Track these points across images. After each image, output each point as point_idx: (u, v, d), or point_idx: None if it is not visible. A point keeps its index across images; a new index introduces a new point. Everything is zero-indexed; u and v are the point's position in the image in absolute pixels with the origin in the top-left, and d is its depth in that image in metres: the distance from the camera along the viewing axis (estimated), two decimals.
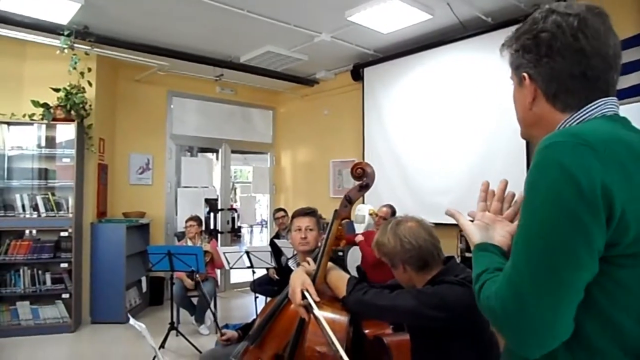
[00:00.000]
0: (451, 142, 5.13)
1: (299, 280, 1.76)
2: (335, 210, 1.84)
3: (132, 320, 2.09)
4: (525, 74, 0.97)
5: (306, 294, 1.70)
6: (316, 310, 1.62)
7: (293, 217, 2.80)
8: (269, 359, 2.27)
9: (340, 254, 5.41)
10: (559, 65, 0.92)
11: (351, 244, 5.02)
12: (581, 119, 0.92)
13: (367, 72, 6.20)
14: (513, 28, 3.85)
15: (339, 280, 1.80)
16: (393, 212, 4.68)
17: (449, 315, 1.59)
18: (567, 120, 0.93)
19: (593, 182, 0.76)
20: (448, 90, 5.18)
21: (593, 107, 0.92)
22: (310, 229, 2.61)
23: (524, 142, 4.43)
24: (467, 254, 3.97)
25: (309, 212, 2.69)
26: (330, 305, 1.76)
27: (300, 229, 2.63)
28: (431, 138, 5.35)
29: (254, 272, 4.89)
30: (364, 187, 1.82)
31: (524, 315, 0.81)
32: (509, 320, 0.83)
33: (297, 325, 1.87)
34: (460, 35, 5.00)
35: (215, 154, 7.98)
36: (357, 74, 6.34)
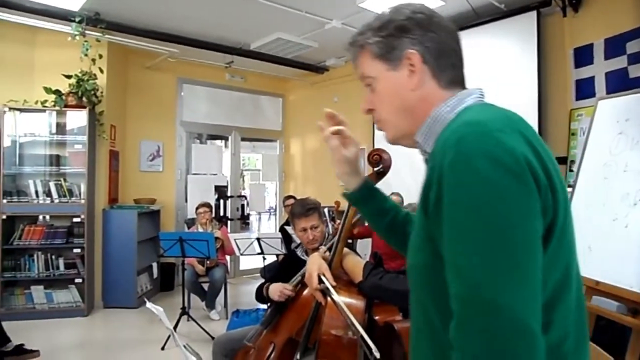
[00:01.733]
0: None
1: (316, 265, 1.77)
2: None
3: (148, 304, 2.12)
4: (413, 51, 0.91)
5: (323, 278, 1.71)
6: (334, 295, 1.63)
7: (293, 216, 2.62)
8: (282, 343, 2.31)
9: (350, 241, 5.43)
10: (443, 38, 0.91)
11: (365, 236, 5.04)
12: (466, 100, 0.94)
13: None
14: (527, 14, 3.83)
15: (356, 265, 1.82)
16: (402, 200, 4.70)
17: None
18: (453, 100, 0.93)
19: (519, 160, 0.73)
20: None
21: (472, 91, 0.93)
22: (315, 227, 2.54)
23: (536, 129, 4.39)
24: None
25: (310, 210, 2.56)
26: (346, 290, 1.78)
27: (305, 230, 2.55)
28: None
29: (264, 258, 4.92)
30: (381, 174, 1.80)
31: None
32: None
33: (313, 310, 1.90)
34: (472, 22, 4.94)
35: (224, 141, 7.99)
36: None
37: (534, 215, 0.73)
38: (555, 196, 0.77)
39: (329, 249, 1.92)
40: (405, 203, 4.77)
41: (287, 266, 2.55)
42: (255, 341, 2.40)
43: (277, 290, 2.33)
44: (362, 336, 1.48)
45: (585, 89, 4.09)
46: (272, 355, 2.30)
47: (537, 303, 0.71)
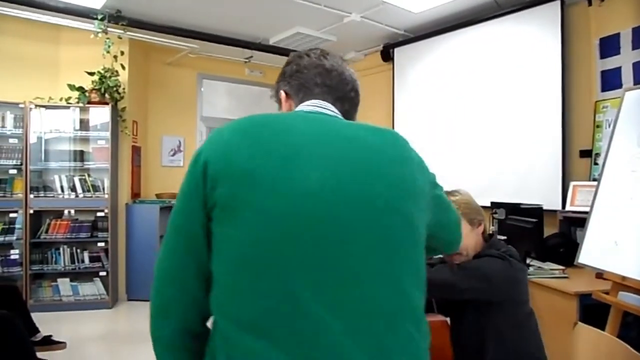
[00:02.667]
0: (484, 125, 5.03)
1: None
2: None
3: None
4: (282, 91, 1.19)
5: None
6: None
7: None
8: None
9: None
10: (305, 76, 1.14)
11: None
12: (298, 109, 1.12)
13: (397, 52, 6.11)
14: (550, 4, 3.75)
15: None
16: None
17: (490, 286, 1.59)
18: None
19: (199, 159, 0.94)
20: (481, 70, 5.06)
21: (305, 104, 1.11)
22: None
23: (560, 126, 4.32)
24: (500, 237, 3.92)
25: None
26: None
27: None
28: (463, 120, 5.25)
29: None
30: None
31: None
32: None
33: None
34: (494, 13, 4.86)
35: None
36: (387, 55, 6.25)
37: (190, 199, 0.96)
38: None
39: None
40: None
41: None
42: None
43: None
44: None
45: (611, 80, 3.99)
46: None
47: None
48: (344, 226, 0.87)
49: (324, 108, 1.10)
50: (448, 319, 1.82)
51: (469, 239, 1.67)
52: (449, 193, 1.76)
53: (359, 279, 0.87)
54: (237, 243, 0.87)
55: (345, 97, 1.16)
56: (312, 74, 1.13)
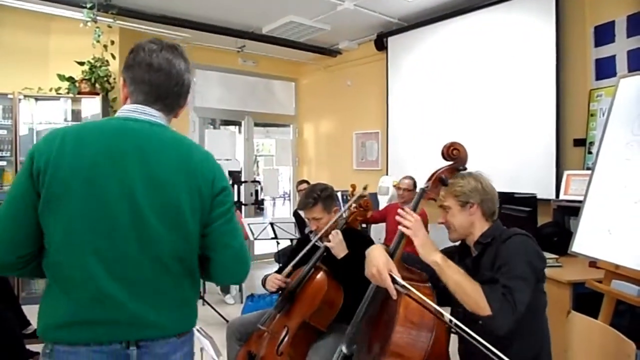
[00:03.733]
0: (478, 114, 5.01)
1: (382, 262, 1.58)
2: (423, 189, 1.73)
3: None
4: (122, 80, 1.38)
5: (395, 277, 1.55)
6: (415, 291, 1.47)
7: (299, 207, 2.69)
8: (296, 327, 2.31)
9: (364, 226, 5.42)
10: (135, 72, 1.31)
11: (379, 221, 5.01)
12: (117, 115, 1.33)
13: (391, 41, 6.07)
14: None
15: (470, 288, 1.55)
16: (414, 184, 4.64)
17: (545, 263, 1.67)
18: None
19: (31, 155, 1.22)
20: (475, 59, 5.03)
21: (125, 108, 1.32)
22: (317, 219, 2.50)
23: (554, 115, 4.31)
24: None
25: (309, 203, 2.51)
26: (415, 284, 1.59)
27: (309, 219, 2.56)
28: (457, 109, 5.23)
29: (278, 243, 4.94)
30: (457, 170, 1.78)
31: None
32: None
33: (389, 310, 1.65)
34: (488, 1, 4.82)
35: (238, 126, 7.99)
36: (380, 44, 6.21)
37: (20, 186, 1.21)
38: (46, 178, 1.18)
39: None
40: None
41: (301, 250, 2.54)
42: (269, 325, 2.41)
43: (270, 280, 2.44)
44: (456, 324, 1.40)
45: (605, 69, 3.97)
46: (286, 339, 2.31)
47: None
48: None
49: (141, 113, 1.30)
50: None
51: (457, 219, 1.77)
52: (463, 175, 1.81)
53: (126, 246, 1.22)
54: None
55: (169, 93, 1.33)
56: (141, 71, 1.29)
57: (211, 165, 1.36)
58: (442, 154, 1.74)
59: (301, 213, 5.15)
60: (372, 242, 2.70)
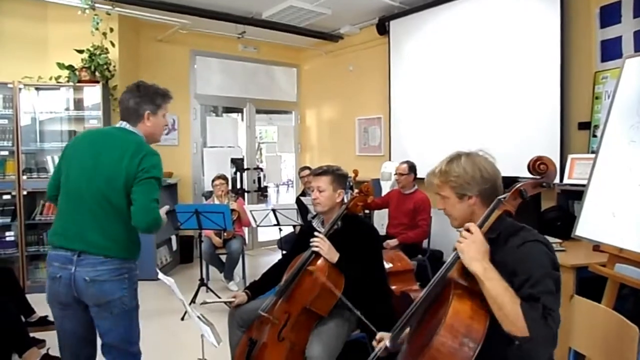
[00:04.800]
0: (481, 97, 4.95)
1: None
2: (499, 200, 1.55)
3: (160, 275, 2.13)
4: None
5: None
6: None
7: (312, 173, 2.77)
8: (297, 313, 2.31)
9: (367, 212, 5.40)
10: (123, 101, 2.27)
11: (381, 207, 4.99)
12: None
13: (393, 25, 5.99)
14: None
15: (508, 304, 1.37)
16: (411, 168, 4.61)
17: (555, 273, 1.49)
18: None
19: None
20: (478, 42, 4.95)
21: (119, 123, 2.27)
22: (321, 190, 2.51)
23: (558, 98, 4.25)
24: None
25: (320, 172, 2.57)
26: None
27: (313, 189, 2.57)
28: (460, 93, 5.17)
29: (280, 229, 4.93)
30: (541, 186, 1.58)
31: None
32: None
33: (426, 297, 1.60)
34: None
35: (240, 114, 7.95)
36: (382, 28, 6.13)
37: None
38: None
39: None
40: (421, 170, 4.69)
41: (304, 237, 2.53)
42: (271, 311, 2.40)
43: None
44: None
45: (611, 50, 3.90)
46: (287, 325, 2.31)
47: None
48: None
49: (120, 125, 2.24)
50: None
51: (456, 209, 1.66)
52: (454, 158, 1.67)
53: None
54: None
55: (128, 110, 2.23)
56: (122, 105, 2.26)
57: (140, 154, 2.08)
58: (528, 167, 1.57)
59: (303, 200, 5.16)
60: (373, 229, 2.69)
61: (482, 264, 1.41)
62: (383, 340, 1.79)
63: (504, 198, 1.54)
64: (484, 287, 1.39)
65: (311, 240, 2.39)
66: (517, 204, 1.55)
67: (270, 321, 2.37)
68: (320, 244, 2.35)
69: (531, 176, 1.57)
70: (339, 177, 2.55)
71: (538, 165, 1.54)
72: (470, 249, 1.44)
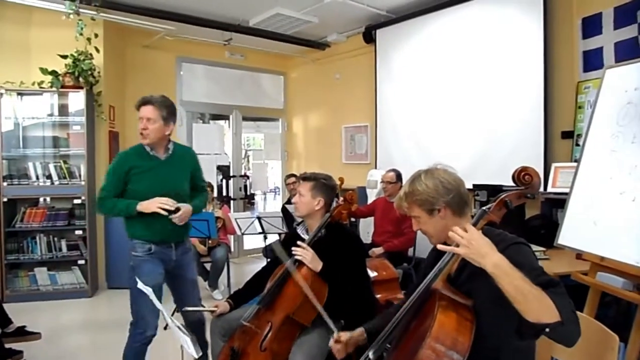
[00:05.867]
0: (466, 107, 4.98)
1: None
2: (484, 210, 1.53)
3: (140, 284, 2.09)
4: None
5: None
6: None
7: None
8: (280, 322, 2.28)
9: (352, 219, 5.39)
10: None
11: (367, 215, 4.99)
12: None
13: (380, 34, 6.02)
14: None
15: (537, 298, 1.29)
16: (398, 176, 4.62)
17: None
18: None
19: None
20: (463, 51, 4.99)
21: None
22: (301, 195, 2.50)
23: (542, 107, 4.30)
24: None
25: (304, 177, 2.57)
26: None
27: (295, 190, 2.61)
28: (445, 102, 5.20)
29: (265, 237, 4.89)
30: (526, 197, 1.57)
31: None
32: None
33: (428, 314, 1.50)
34: None
35: (226, 121, 7.92)
36: (369, 36, 6.16)
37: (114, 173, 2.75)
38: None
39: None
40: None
41: (290, 245, 2.51)
42: (253, 321, 2.37)
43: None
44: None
45: (593, 61, 3.96)
46: (269, 335, 2.28)
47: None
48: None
49: None
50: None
51: (429, 226, 1.66)
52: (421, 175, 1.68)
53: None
54: None
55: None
56: None
57: None
58: (513, 177, 1.56)
59: (288, 207, 5.13)
60: (356, 237, 2.67)
61: (492, 259, 1.33)
62: (341, 339, 1.83)
63: (489, 208, 1.53)
64: (502, 282, 1.30)
65: (293, 249, 2.37)
66: (502, 214, 1.53)
67: (252, 331, 2.34)
68: (304, 253, 2.33)
69: (515, 186, 1.56)
70: (322, 186, 2.52)
71: (523, 176, 1.54)
72: (472, 248, 1.36)
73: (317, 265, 2.32)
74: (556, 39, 4.30)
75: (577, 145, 3.95)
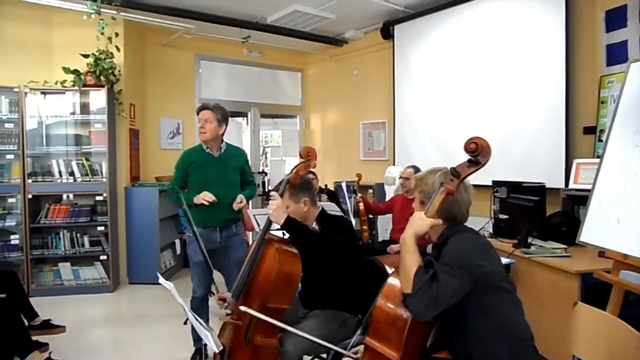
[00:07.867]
0: (485, 103, 4.92)
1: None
2: (440, 183, 1.67)
3: (161, 280, 2.12)
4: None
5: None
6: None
7: None
8: (258, 310, 2.10)
9: (370, 216, 5.38)
10: None
11: (385, 212, 4.97)
12: None
13: (398, 29, 5.98)
14: None
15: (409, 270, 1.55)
16: (417, 172, 4.58)
17: (490, 264, 1.61)
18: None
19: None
20: (483, 46, 4.93)
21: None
22: (289, 206, 2.47)
23: (563, 102, 4.22)
24: (501, 216, 3.87)
25: (279, 191, 2.54)
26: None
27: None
28: (464, 98, 5.15)
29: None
30: (474, 164, 1.66)
31: None
32: None
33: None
34: None
35: (244, 118, 7.97)
36: (387, 32, 6.12)
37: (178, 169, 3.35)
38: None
39: None
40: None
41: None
42: (232, 315, 2.33)
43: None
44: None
45: (617, 54, 3.87)
46: (251, 325, 2.23)
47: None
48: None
49: None
50: None
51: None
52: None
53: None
54: None
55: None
56: None
57: None
58: (464, 149, 1.67)
59: None
60: (346, 220, 2.68)
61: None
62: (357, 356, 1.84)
63: (443, 181, 1.68)
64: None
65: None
66: (456, 184, 1.64)
67: (234, 325, 2.28)
68: (273, 202, 2.30)
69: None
70: (298, 187, 2.50)
71: (469, 145, 1.65)
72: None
73: (280, 215, 2.28)
74: (578, 33, 4.22)
75: (600, 140, 3.88)
